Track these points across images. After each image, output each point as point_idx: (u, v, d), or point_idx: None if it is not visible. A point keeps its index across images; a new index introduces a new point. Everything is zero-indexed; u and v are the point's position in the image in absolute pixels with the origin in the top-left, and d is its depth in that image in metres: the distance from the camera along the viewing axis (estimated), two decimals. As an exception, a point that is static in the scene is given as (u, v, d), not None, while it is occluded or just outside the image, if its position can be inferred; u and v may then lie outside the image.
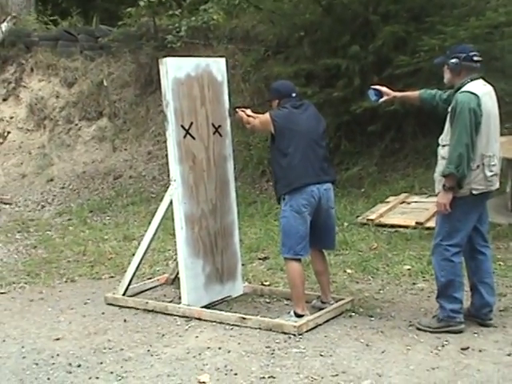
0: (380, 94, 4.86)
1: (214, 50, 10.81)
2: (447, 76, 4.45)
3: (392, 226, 7.27)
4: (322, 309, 4.89)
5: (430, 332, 4.44)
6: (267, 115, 4.81)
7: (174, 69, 4.96)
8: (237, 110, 5.19)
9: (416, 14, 8.73)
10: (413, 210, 7.57)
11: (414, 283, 5.58)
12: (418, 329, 4.51)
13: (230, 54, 10.54)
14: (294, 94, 4.89)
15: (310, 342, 4.41)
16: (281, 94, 4.90)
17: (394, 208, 7.70)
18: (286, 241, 4.73)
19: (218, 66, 5.29)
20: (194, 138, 5.09)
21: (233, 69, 10.08)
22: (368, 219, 7.45)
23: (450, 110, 4.33)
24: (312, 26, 9.42)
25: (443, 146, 4.37)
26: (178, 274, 5.35)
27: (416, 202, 7.80)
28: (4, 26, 12.86)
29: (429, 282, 5.46)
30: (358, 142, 9.20)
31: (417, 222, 7.09)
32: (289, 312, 4.81)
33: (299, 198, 4.65)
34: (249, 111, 5.13)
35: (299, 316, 4.68)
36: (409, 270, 5.89)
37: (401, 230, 7.16)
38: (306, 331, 4.56)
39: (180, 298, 5.19)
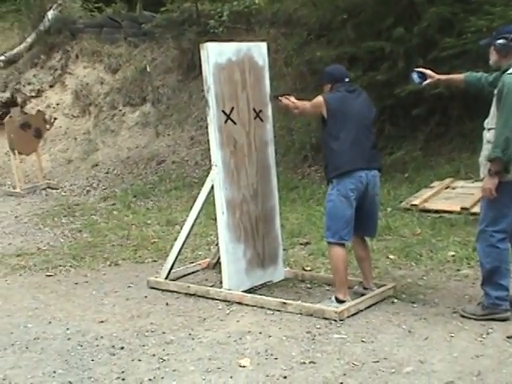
0: (424, 77, 4.77)
1: (256, 34, 10.76)
2: (493, 58, 4.33)
3: (436, 211, 7.15)
4: (364, 295, 4.85)
5: (475, 319, 4.35)
6: (320, 98, 4.75)
7: (215, 54, 4.95)
8: (279, 97, 5.13)
9: (463, -6, 8.52)
10: (458, 195, 7.44)
11: (458, 270, 5.49)
12: (463, 316, 4.42)
13: (272, 38, 10.48)
14: (347, 79, 4.86)
15: (351, 328, 4.37)
16: (334, 78, 4.84)
17: (438, 193, 7.57)
18: (331, 225, 4.69)
19: (259, 51, 5.26)
20: (235, 122, 5.08)
21: (275, 53, 10.02)
22: (412, 204, 7.34)
23: (496, 92, 4.22)
24: (355, 9, 9.28)
25: (489, 129, 4.26)
26: (219, 258, 5.37)
27: (461, 187, 7.65)
28: (50, 13, 13.07)
29: (474, 269, 5.36)
30: (401, 126, 9.06)
31: (462, 208, 6.97)
32: (330, 297, 4.79)
33: (347, 182, 4.64)
34: (292, 98, 5.07)
35: (340, 302, 4.66)
36: (453, 256, 5.79)
37: (445, 215, 7.03)
38: (348, 317, 4.53)
39: (221, 282, 5.22)
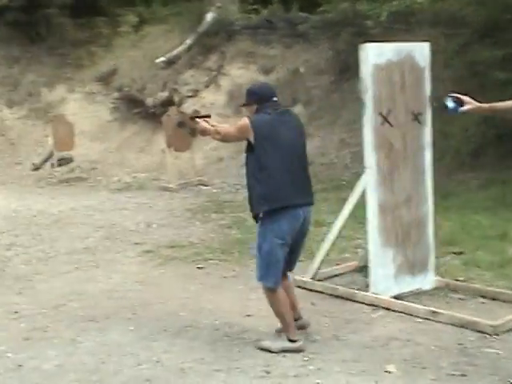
0: (460, 103, 4.20)
1: (415, 34, 10.49)
2: None
3: None
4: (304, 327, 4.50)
5: None
6: (246, 121, 4.22)
7: (374, 55, 4.90)
8: (196, 119, 4.56)
9: None
10: None
11: None
12: None
13: (432, 38, 10.14)
14: (274, 98, 4.32)
15: (507, 344, 4.17)
16: (260, 97, 4.31)
17: None
18: (268, 270, 4.24)
19: (421, 51, 5.14)
20: (391, 125, 4.99)
21: (433, 54, 9.70)
22: None
23: None
24: (528, 6, 8.76)
25: None
26: (366, 262, 5.30)
27: None
28: (209, 16, 13.51)
29: None
30: None
31: None
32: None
33: (283, 221, 4.15)
34: (212, 121, 4.51)
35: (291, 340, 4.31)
36: None
37: None
38: (503, 332, 4.31)
39: (368, 286, 5.15)
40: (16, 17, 14.07)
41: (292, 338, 4.31)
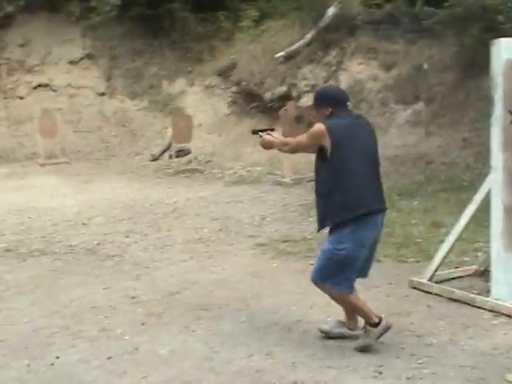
0: None
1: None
2: None
3: None
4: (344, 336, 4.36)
5: None
6: (321, 126, 4.04)
7: (508, 50, 4.69)
8: (259, 133, 4.47)
9: None
10: None
11: None
12: None
13: None
14: (348, 103, 4.22)
15: None
16: (336, 101, 4.17)
17: None
18: (339, 273, 4.15)
19: (559, 45, 4.84)
20: (521, 123, 4.74)
21: None
22: None
23: None
24: None
25: None
26: (488, 266, 5.09)
27: None
28: (330, 10, 13.40)
29: None
30: None
31: None
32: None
33: (364, 229, 4.06)
34: (276, 134, 4.43)
35: (375, 325, 4.17)
36: None
37: None
38: None
39: (489, 291, 4.95)
40: (140, 11, 14.55)
41: (374, 322, 4.21)
